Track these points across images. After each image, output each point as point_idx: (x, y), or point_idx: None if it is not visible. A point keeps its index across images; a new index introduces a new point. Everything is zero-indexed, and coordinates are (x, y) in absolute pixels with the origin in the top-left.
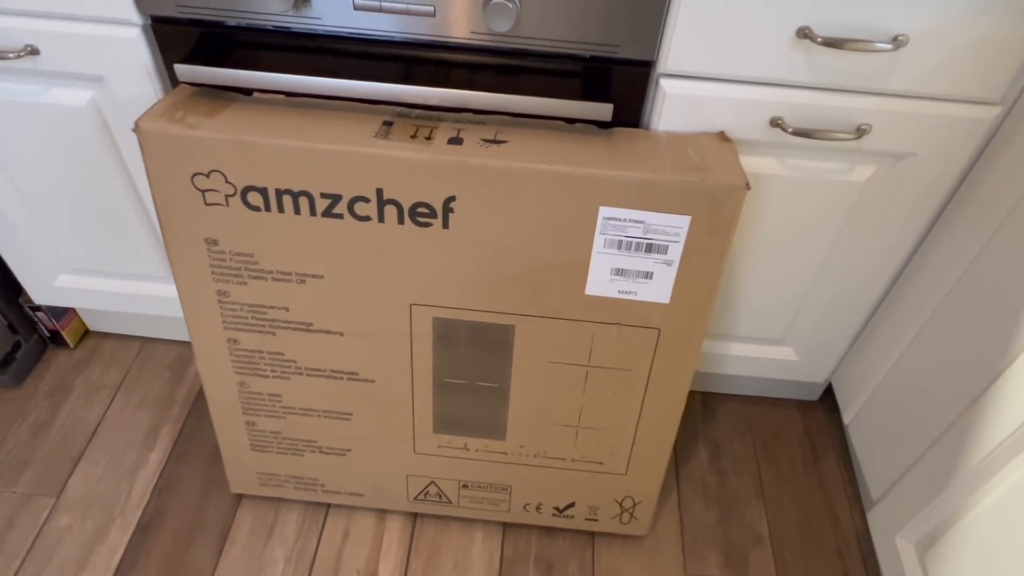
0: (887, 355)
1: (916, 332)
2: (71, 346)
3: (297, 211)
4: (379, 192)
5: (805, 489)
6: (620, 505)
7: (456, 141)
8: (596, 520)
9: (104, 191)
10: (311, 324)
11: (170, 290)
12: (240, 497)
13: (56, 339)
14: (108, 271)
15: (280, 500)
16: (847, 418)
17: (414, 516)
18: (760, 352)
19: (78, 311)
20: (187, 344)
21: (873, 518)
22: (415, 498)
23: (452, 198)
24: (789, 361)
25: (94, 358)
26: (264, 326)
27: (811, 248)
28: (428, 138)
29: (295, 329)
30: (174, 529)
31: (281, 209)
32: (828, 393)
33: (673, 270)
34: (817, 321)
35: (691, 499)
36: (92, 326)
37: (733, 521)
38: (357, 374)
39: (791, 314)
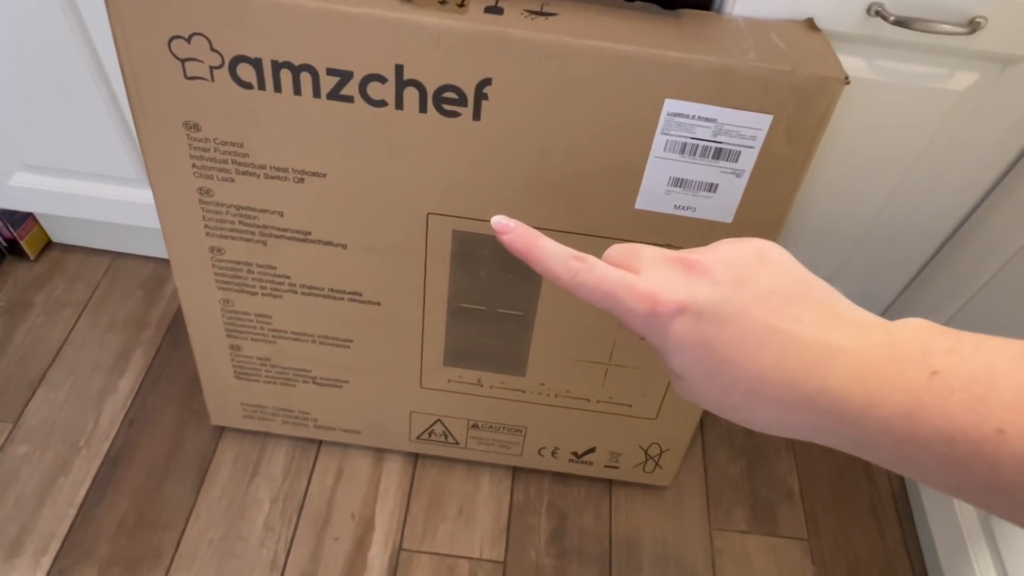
0: (947, 302)
1: (984, 281)
2: (31, 258)
3: (297, 91)
4: (398, 70)
5: None
6: (645, 452)
7: (495, 10)
8: (617, 468)
9: (64, 70)
10: (309, 233)
11: (144, 196)
12: (221, 430)
13: (13, 249)
14: (72, 170)
15: (266, 435)
16: None
17: (415, 457)
18: None
19: (38, 218)
20: (163, 261)
21: None
22: (418, 437)
23: (487, 81)
24: None
25: (57, 272)
26: (253, 233)
27: (886, 170)
28: (461, 4)
29: (290, 238)
30: (146, 463)
31: (278, 87)
32: None
33: (742, 183)
34: (873, 259)
35: (716, 449)
36: (55, 237)
37: (761, 474)
38: (360, 295)
39: (846, 250)
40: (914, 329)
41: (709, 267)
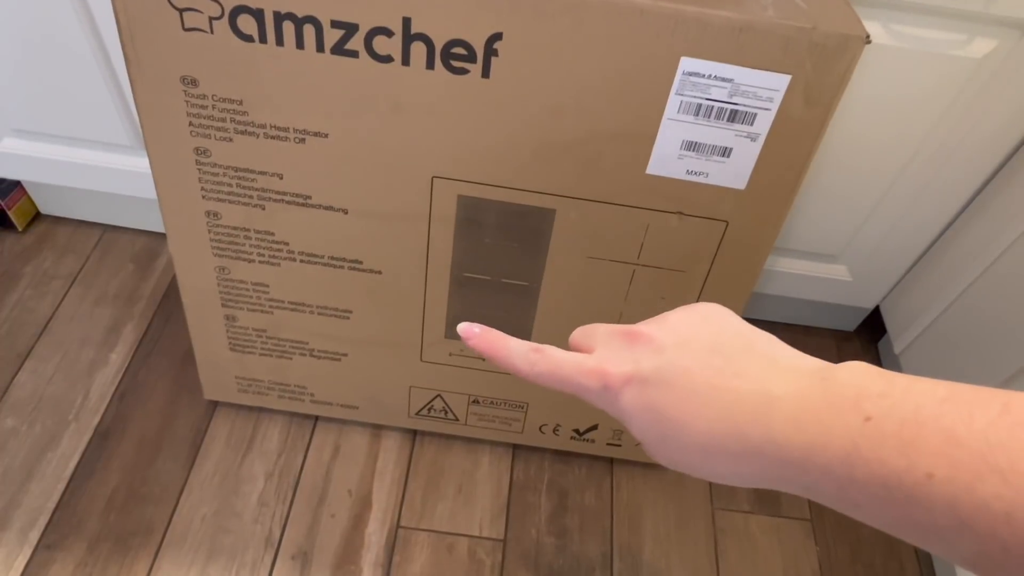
0: (956, 281)
1: (998, 254)
2: (19, 229)
3: (300, 44)
4: (406, 23)
5: None
6: None
7: None
8: (619, 445)
9: (55, 27)
10: (309, 197)
11: (138, 163)
12: (215, 405)
13: (1, 220)
14: (63, 135)
15: (261, 410)
16: (898, 348)
17: (413, 433)
18: (810, 269)
19: (27, 188)
20: (155, 234)
21: None
22: (417, 413)
23: (497, 36)
24: (841, 281)
25: (46, 244)
26: (251, 197)
27: (899, 141)
28: None
29: (289, 203)
30: (137, 437)
31: (280, 40)
32: (865, 324)
33: (757, 147)
34: (882, 235)
35: None
36: (44, 208)
37: None
38: (361, 263)
39: (855, 225)
40: (850, 373)
41: (652, 336)
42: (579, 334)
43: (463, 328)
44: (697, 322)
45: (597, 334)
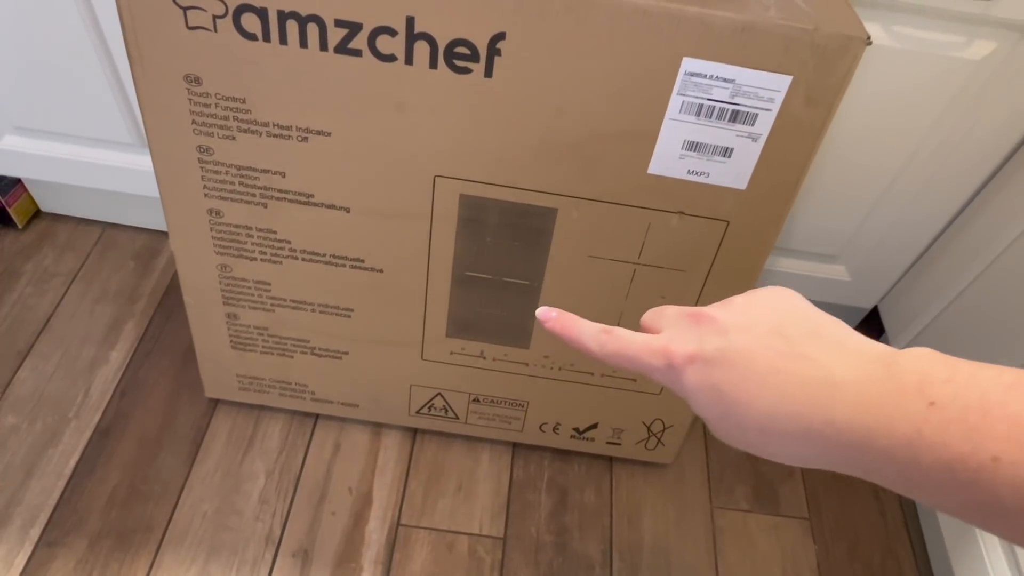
0: (954, 281)
1: (996, 255)
2: (19, 227)
3: (304, 43)
4: (409, 22)
5: None
6: (648, 429)
7: None
8: (619, 444)
9: (57, 25)
10: (312, 196)
11: (139, 161)
12: (216, 403)
13: (1, 217)
14: (64, 133)
15: (262, 408)
16: (896, 348)
17: (413, 432)
18: (809, 269)
19: (27, 185)
20: (156, 232)
21: None
22: (417, 412)
23: (500, 36)
24: (839, 281)
25: (46, 242)
26: (254, 195)
27: (899, 141)
28: None
29: (292, 201)
30: (138, 435)
31: (284, 39)
32: (863, 324)
33: (758, 147)
34: (882, 235)
35: None
36: (44, 206)
37: None
38: (363, 261)
39: (854, 225)
40: (914, 359)
41: (716, 318)
42: (649, 316)
43: (541, 312)
44: (762, 305)
45: (665, 315)
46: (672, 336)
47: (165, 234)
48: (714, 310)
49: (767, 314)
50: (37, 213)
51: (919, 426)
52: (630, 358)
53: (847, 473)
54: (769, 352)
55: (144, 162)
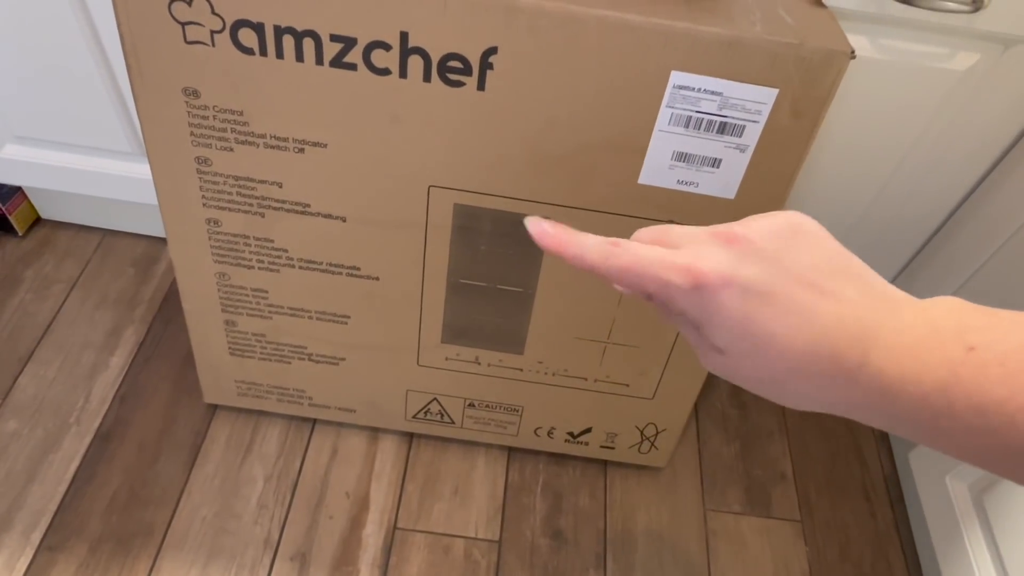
0: (943, 285)
1: (981, 263)
2: (19, 234)
3: (300, 57)
4: (403, 37)
5: (830, 426)
6: (641, 433)
7: None
8: (612, 448)
9: (58, 37)
10: (308, 205)
11: (138, 170)
12: (215, 408)
13: (2, 225)
14: (64, 142)
15: (260, 413)
16: None
17: (410, 436)
18: None
19: (28, 193)
20: (155, 239)
21: (916, 458)
22: (413, 417)
23: (492, 50)
24: None
25: (46, 249)
26: (252, 205)
27: (886, 151)
28: None
29: (288, 211)
30: (138, 440)
31: (280, 54)
32: None
33: (746, 158)
34: (872, 240)
35: (710, 432)
36: (44, 213)
37: (754, 457)
38: (359, 269)
39: (844, 231)
40: (949, 307)
41: (751, 240)
42: (650, 232)
43: (532, 223)
44: (790, 232)
45: (675, 232)
46: (699, 253)
47: (164, 240)
48: (743, 229)
49: (800, 243)
50: (37, 220)
51: (956, 370)
52: (644, 274)
53: (866, 421)
54: (808, 287)
55: (143, 170)
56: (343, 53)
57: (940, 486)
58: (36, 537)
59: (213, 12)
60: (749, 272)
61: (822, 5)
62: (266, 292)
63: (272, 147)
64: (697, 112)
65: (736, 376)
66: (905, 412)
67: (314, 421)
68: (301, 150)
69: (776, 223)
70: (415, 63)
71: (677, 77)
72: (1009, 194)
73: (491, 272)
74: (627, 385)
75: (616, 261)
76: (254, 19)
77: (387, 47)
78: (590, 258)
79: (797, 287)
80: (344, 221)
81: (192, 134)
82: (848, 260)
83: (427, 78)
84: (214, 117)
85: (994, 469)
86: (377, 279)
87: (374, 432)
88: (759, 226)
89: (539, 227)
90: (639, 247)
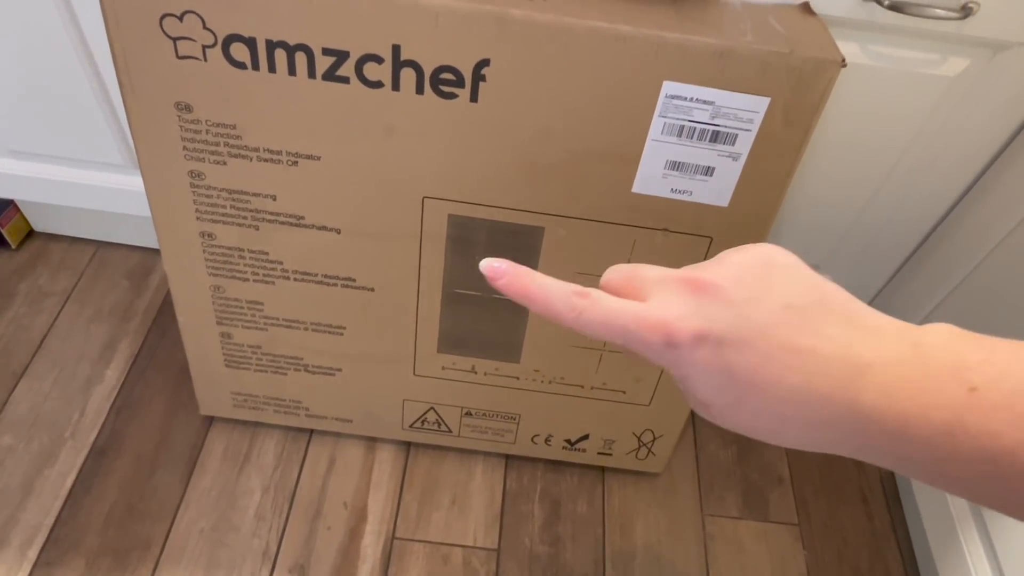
0: (937, 289)
1: (973, 267)
2: (12, 247)
3: (292, 71)
4: (395, 50)
5: None
6: (639, 439)
7: None
8: (610, 455)
9: (50, 51)
10: (302, 218)
11: (131, 182)
12: (211, 420)
13: None
14: (57, 156)
15: (257, 424)
16: None
17: (407, 446)
18: None
19: (20, 206)
20: (149, 250)
21: None
22: (411, 426)
23: (485, 62)
24: None
25: (40, 262)
26: (246, 218)
27: (878, 156)
28: None
29: (283, 223)
30: (135, 453)
31: (272, 68)
32: None
33: (739, 166)
34: (865, 246)
35: (707, 437)
36: (37, 226)
37: (752, 461)
38: (354, 280)
39: (838, 235)
40: (944, 338)
41: (721, 286)
42: (620, 277)
43: (487, 265)
44: (762, 270)
45: (646, 277)
46: (667, 305)
47: (158, 252)
48: (711, 275)
49: (772, 281)
50: (30, 233)
51: (959, 413)
52: (616, 329)
53: (874, 463)
54: (784, 328)
55: (136, 182)
56: (335, 67)
57: (938, 491)
58: (33, 553)
59: (205, 27)
60: (722, 322)
61: (812, 13)
62: (261, 304)
63: (265, 160)
64: (689, 121)
65: (728, 425)
66: (909, 455)
67: (311, 432)
68: (294, 163)
69: (747, 260)
70: (408, 76)
71: (669, 87)
72: (1001, 197)
73: (486, 282)
74: (623, 392)
75: (587, 316)
76: (246, 34)
77: (379, 60)
78: (558, 308)
79: (774, 331)
80: (339, 233)
81: (185, 148)
82: (824, 292)
83: (420, 90)
84: (207, 131)
85: (1003, 510)
86: (372, 290)
87: (371, 442)
88: (731, 266)
89: (492, 267)
90: (610, 301)
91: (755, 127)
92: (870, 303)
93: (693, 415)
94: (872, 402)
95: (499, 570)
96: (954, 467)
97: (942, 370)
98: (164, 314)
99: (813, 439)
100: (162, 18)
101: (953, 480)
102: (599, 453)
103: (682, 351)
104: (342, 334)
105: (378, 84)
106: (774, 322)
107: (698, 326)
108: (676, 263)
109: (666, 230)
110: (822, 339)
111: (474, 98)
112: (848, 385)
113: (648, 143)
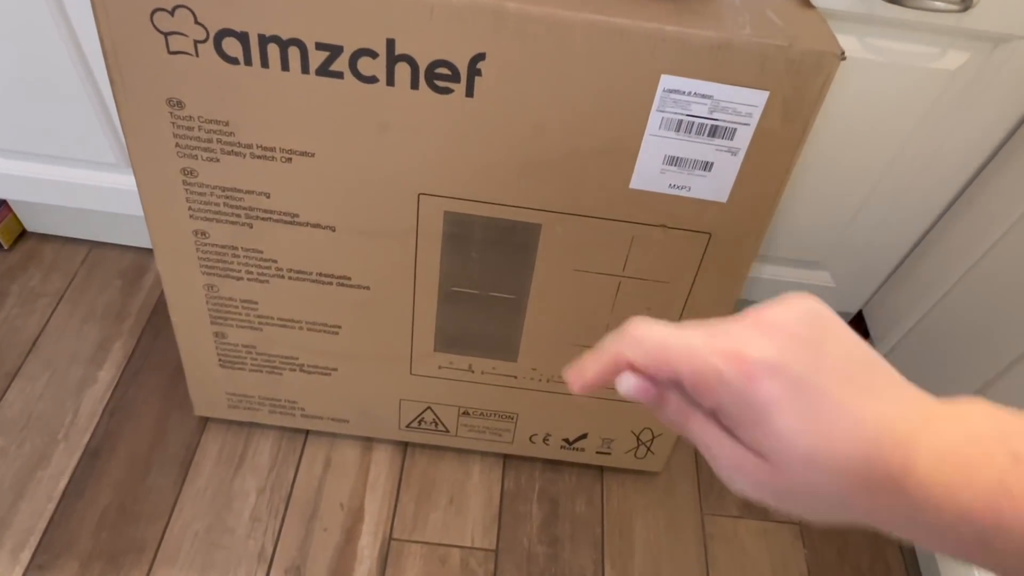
0: (938, 283)
1: (974, 261)
2: (5, 247)
3: (285, 66)
4: (390, 44)
5: None
6: (637, 438)
7: None
8: (608, 454)
9: (39, 47)
10: (297, 215)
11: (123, 181)
12: (206, 421)
13: None
14: (48, 155)
15: (252, 425)
16: (881, 351)
17: (404, 445)
18: (794, 276)
19: (12, 207)
20: (142, 250)
21: None
22: (407, 426)
23: (480, 56)
24: (824, 287)
25: (32, 262)
26: (239, 216)
27: (878, 150)
28: None
29: (277, 221)
30: (128, 455)
31: (265, 63)
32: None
33: (737, 161)
34: (864, 241)
35: None
36: (30, 226)
37: None
38: (349, 279)
39: (837, 232)
40: (984, 411)
41: (785, 326)
42: (656, 344)
43: (571, 379)
44: (817, 321)
45: (692, 326)
46: (742, 337)
47: (152, 252)
48: (772, 316)
49: (829, 335)
50: (23, 233)
51: (1006, 484)
52: (677, 358)
53: (903, 535)
54: (849, 382)
55: (129, 181)
56: (329, 61)
57: None
58: (25, 556)
59: (196, 22)
60: (797, 363)
61: (811, 6)
62: (256, 303)
63: (259, 157)
64: (688, 116)
65: (771, 486)
66: (950, 525)
67: (307, 432)
68: (288, 160)
69: (799, 309)
70: (402, 70)
71: (667, 81)
72: (1003, 189)
73: (483, 279)
74: None
75: (645, 345)
76: (238, 28)
77: (373, 55)
78: (614, 348)
79: (840, 383)
80: (333, 231)
81: (177, 145)
82: (871, 352)
83: (415, 85)
84: (199, 128)
85: None
86: (368, 288)
87: (368, 442)
88: (784, 313)
89: (574, 379)
90: (666, 331)
91: (754, 121)
92: (870, 302)
93: None
94: (925, 465)
95: (497, 571)
96: (999, 541)
97: (988, 438)
98: (158, 314)
99: (855, 504)
100: (153, 13)
101: (994, 553)
102: (598, 452)
103: (756, 383)
104: (337, 333)
105: (372, 79)
106: (841, 373)
107: (775, 359)
108: (672, 261)
109: (664, 226)
110: (881, 399)
111: (470, 93)
112: (901, 448)
113: (646, 138)
